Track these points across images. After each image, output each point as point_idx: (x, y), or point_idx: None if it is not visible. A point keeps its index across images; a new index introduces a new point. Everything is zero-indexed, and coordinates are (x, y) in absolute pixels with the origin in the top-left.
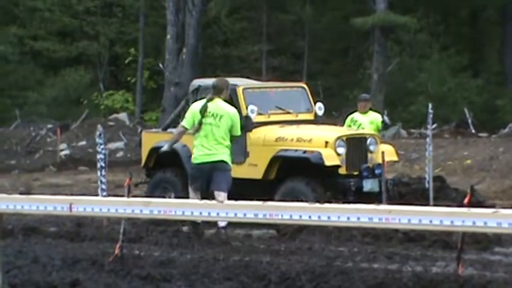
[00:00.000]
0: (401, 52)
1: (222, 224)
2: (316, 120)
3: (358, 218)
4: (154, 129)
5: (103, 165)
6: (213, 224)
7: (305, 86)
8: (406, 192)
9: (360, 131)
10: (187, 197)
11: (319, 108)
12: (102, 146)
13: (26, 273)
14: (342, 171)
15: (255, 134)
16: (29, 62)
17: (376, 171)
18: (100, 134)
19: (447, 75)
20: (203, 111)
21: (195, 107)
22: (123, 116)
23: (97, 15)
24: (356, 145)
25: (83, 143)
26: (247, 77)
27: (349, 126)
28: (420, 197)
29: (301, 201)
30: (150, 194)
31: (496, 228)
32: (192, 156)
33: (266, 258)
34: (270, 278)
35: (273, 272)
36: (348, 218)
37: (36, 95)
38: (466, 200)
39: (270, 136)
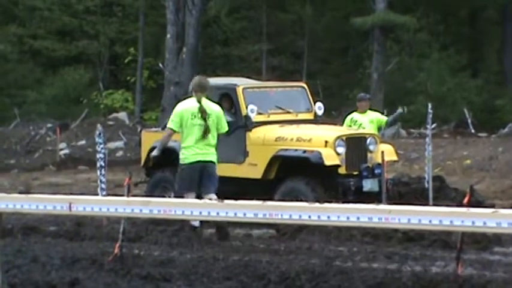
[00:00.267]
0: (400, 52)
1: (195, 223)
2: (316, 120)
3: (358, 218)
4: (154, 129)
5: (103, 164)
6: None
7: (305, 85)
8: (405, 192)
9: (360, 131)
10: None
11: (319, 107)
12: (101, 146)
13: (25, 273)
14: (342, 170)
15: (255, 134)
16: (28, 61)
17: (376, 171)
18: (100, 134)
19: (447, 75)
20: (202, 113)
21: (181, 108)
22: (122, 115)
23: (97, 15)
24: (356, 145)
25: (83, 142)
26: (247, 77)
27: (350, 126)
28: (420, 197)
29: (301, 200)
30: (149, 194)
31: (496, 228)
32: (182, 157)
33: (266, 258)
34: (269, 278)
35: (273, 272)
36: (348, 218)
37: (36, 94)
38: (465, 200)
39: (270, 136)
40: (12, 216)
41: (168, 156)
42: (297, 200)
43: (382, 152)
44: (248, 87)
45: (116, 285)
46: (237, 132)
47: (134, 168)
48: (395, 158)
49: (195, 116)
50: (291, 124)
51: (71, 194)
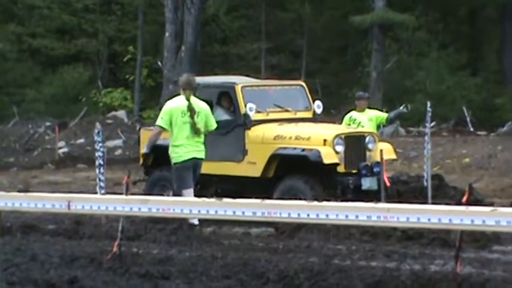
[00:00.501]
0: (399, 50)
1: (194, 221)
2: (315, 118)
3: (357, 216)
4: (152, 127)
5: (101, 163)
6: (211, 222)
7: (304, 84)
8: (404, 190)
9: (359, 129)
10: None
11: (318, 106)
12: (100, 144)
13: (24, 271)
14: (341, 169)
15: (254, 132)
16: (27, 59)
17: (375, 170)
18: (98, 132)
19: (446, 73)
20: (191, 111)
21: (170, 106)
22: (121, 113)
23: (96, 13)
24: (354, 143)
25: (82, 140)
26: (246, 75)
27: (348, 124)
28: (419, 195)
29: (300, 199)
30: (148, 192)
31: (495, 227)
32: (176, 155)
33: (264, 256)
34: (268, 276)
35: (271, 270)
36: (347, 216)
37: (35, 93)
38: (464, 198)
39: (269, 134)
40: (11, 214)
41: (167, 154)
42: (296, 199)
43: (381, 151)
44: (247, 86)
45: (115, 283)
46: (235, 131)
47: (133, 167)
48: (394, 156)
49: (184, 114)
50: (290, 122)
51: (70, 192)
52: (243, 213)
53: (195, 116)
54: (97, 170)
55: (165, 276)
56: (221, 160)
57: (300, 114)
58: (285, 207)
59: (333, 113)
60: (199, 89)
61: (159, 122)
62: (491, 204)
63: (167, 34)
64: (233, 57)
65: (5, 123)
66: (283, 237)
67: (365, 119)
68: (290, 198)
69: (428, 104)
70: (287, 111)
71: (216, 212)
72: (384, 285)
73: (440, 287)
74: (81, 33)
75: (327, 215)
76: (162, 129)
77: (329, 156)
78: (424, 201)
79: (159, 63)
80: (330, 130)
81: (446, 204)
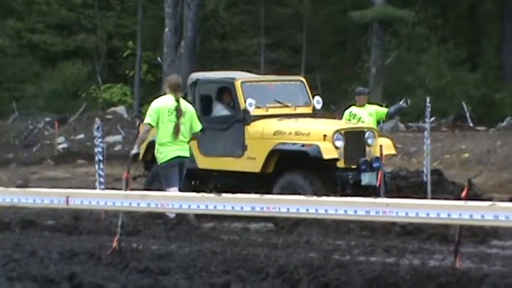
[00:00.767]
0: (399, 45)
1: (170, 215)
2: (314, 114)
3: (356, 211)
4: None
5: (101, 158)
6: (210, 217)
7: (303, 79)
8: (404, 185)
9: (358, 125)
10: (185, 190)
11: (318, 101)
12: (100, 140)
13: (23, 267)
14: (340, 164)
15: (253, 128)
16: (26, 55)
17: (374, 165)
18: (98, 127)
19: (445, 68)
20: (178, 112)
21: (158, 104)
22: (121, 109)
23: (95, 8)
24: (354, 138)
25: (81, 136)
26: (246, 71)
27: (349, 120)
28: (418, 191)
29: (299, 194)
30: (148, 187)
31: (493, 221)
32: (161, 156)
33: (264, 252)
34: (267, 271)
35: (271, 265)
36: (346, 211)
37: (34, 88)
38: (463, 194)
39: (268, 129)
40: (10, 209)
41: None
42: (295, 194)
43: (381, 146)
44: (246, 81)
45: (114, 279)
46: (235, 126)
47: (133, 163)
48: (393, 151)
49: (171, 113)
50: (290, 118)
51: (69, 188)
52: (242, 208)
53: (181, 117)
54: (96, 166)
55: (165, 271)
56: (221, 155)
57: (299, 110)
58: (284, 202)
59: (332, 109)
60: (198, 84)
61: (147, 120)
62: (490, 199)
63: (167, 29)
64: (232, 52)
65: (4, 118)
66: (283, 233)
67: (365, 114)
68: (290, 194)
69: (428, 99)
70: (287, 106)
71: (216, 207)
72: (383, 280)
73: (440, 282)
74: (80, 28)
75: (326, 210)
76: (151, 126)
77: (329, 152)
78: (424, 196)
79: (159, 58)
80: (329, 125)
81: (446, 199)
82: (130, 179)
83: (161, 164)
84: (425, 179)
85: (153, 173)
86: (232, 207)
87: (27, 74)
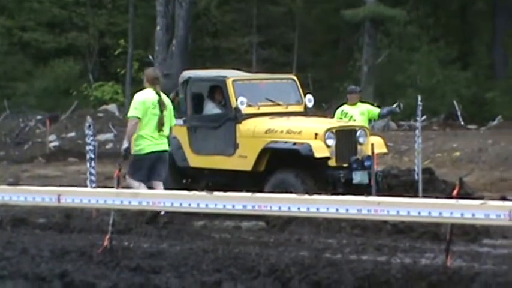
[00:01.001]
0: (390, 44)
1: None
2: (306, 112)
3: (347, 210)
4: None
5: (92, 156)
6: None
7: (295, 77)
8: (395, 184)
9: (350, 123)
10: (177, 188)
11: (309, 100)
12: (91, 138)
13: (14, 265)
14: (332, 163)
15: (245, 126)
16: (17, 53)
17: (366, 163)
18: (89, 126)
19: (436, 67)
20: (161, 105)
21: (143, 97)
22: (112, 107)
23: (86, 6)
24: (345, 137)
25: (72, 134)
26: (238, 69)
27: (340, 118)
28: (409, 189)
29: (291, 193)
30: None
31: (484, 220)
32: (138, 147)
33: (255, 250)
34: (259, 270)
35: (262, 264)
36: (337, 210)
37: (25, 86)
38: (454, 192)
39: (260, 128)
40: (1, 208)
41: None
42: (287, 192)
43: (372, 145)
44: (238, 80)
45: (105, 277)
46: (227, 125)
47: (124, 160)
48: (385, 150)
49: (155, 106)
50: (281, 116)
51: (61, 186)
52: (234, 206)
53: (164, 110)
54: (88, 164)
55: (156, 270)
56: (212, 154)
57: (291, 108)
58: (275, 200)
59: (324, 107)
60: (190, 83)
61: (134, 113)
62: (481, 198)
63: (158, 28)
64: (224, 51)
65: None
66: (274, 231)
67: (357, 113)
68: (281, 192)
69: (419, 98)
70: (278, 105)
71: (207, 205)
72: (375, 278)
73: (431, 281)
74: (72, 26)
75: (317, 209)
76: (138, 119)
77: (320, 150)
78: (415, 195)
79: (150, 56)
80: (321, 124)
81: (437, 197)
82: (121, 177)
83: (135, 155)
84: (416, 177)
85: None
86: (224, 206)
87: (19, 72)
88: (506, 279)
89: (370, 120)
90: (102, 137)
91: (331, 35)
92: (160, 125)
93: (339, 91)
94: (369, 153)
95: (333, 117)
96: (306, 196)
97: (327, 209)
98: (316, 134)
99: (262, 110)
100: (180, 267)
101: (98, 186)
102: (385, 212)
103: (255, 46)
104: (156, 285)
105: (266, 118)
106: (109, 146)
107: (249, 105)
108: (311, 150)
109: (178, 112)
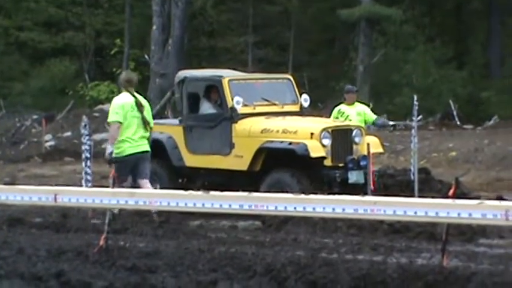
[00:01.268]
0: (386, 44)
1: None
2: (302, 112)
3: (343, 209)
4: None
5: (88, 156)
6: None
7: (291, 77)
8: (391, 183)
9: (346, 123)
10: (173, 188)
11: (305, 99)
12: (87, 137)
13: (10, 264)
14: (328, 162)
15: (241, 126)
16: (14, 52)
17: (362, 163)
18: (85, 125)
19: (432, 67)
20: (139, 106)
21: (121, 101)
22: (108, 107)
23: (83, 6)
24: (341, 137)
25: (68, 133)
26: (233, 69)
27: (337, 118)
28: (405, 189)
29: (287, 192)
30: (135, 185)
31: (481, 220)
32: (118, 150)
33: (251, 250)
34: (255, 269)
35: (258, 263)
36: (333, 209)
37: (21, 86)
38: (451, 192)
39: (256, 127)
40: None
41: (155, 147)
42: (283, 192)
43: (368, 144)
44: (234, 79)
45: (101, 276)
46: (222, 124)
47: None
48: (381, 150)
49: (133, 109)
50: (277, 116)
51: (57, 185)
52: (230, 206)
53: (143, 111)
54: (84, 163)
55: (152, 269)
56: (208, 153)
57: (287, 108)
58: (272, 200)
59: (319, 107)
60: (186, 82)
61: (115, 117)
62: (477, 198)
63: (154, 27)
64: (220, 50)
65: None
66: (270, 231)
67: (353, 113)
68: (277, 192)
69: (415, 97)
70: (274, 104)
71: (203, 205)
72: (371, 278)
73: (427, 281)
74: (68, 26)
75: (313, 208)
76: (120, 123)
77: (316, 150)
78: (411, 195)
79: (146, 56)
80: (316, 124)
81: (433, 197)
82: (117, 176)
83: (116, 158)
84: (412, 177)
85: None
86: (220, 205)
87: (15, 72)
88: (503, 279)
89: (365, 122)
90: (98, 136)
91: (327, 35)
92: (143, 124)
93: (335, 90)
94: (365, 152)
95: (329, 116)
96: (303, 196)
97: (323, 208)
98: (312, 134)
99: (258, 109)
100: (176, 266)
101: (94, 186)
102: (381, 211)
103: (250, 46)
104: (152, 285)
105: (262, 118)
106: (105, 145)
107: (245, 105)
108: (307, 149)
109: (174, 111)
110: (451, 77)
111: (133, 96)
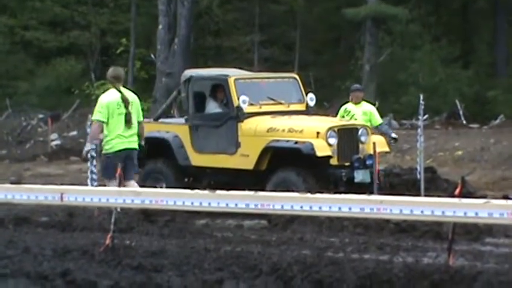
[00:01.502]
0: (392, 43)
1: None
2: (308, 111)
3: (350, 208)
4: (145, 120)
5: (94, 155)
6: (204, 214)
7: (297, 76)
8: (397, 183)
9: (352, 122)
10: (179, 187)
11: (311, 98)
12: None
13: (16, 263)
14: (334, 161)
15: (247, 125)
16: (19, 52)
17: (368, 162)
18: (91, 124)
19: (438, 66)
20: (125, 102)
21: (106, 99)
22: None
23: (88, 5)
24: (347, 136)
25: (74, 133)
26: (239, 68)
27: (343, 117)
28: (411, 188)
29: (293, 191)
30: (141, 184)
31: (487, 219)
32: (108, 146)
33: (257, 249)
34: (261, 268)
35: (264, 263)
36: (339, 208)
37: (27, 85)
38: (457, 191)
39: (262, 127)
40: (4, 206)
41: (161, 147)
42: (289, 191)
43: (374, 143)
44: (240, 78)
45: (107, 275)
46: (228, 123)
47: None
48: (387, 149)
49: (120, 106)
50: (283, 115)
51: (63, 184)
52: (236, 205)
53: (129, 106)
54: (89, 163)
55: (158, 268)
56: (214, 152)
57: (293, 107)
58: (278, 199)
59: (325, 106)
60: (192, 81)
61: (97, 116)
62: (483, 197)
63: (160, 26)
64: (226, 49)
65: None
66: (276, 230)
67: (359, 112)
68: (283, 191)
69: (421, 96)
70: (280, 103)
71: (209, 204)
72: (377, 277)
73: (433, 280)
74: (74, 25)
75: (320, 207)
76: (102, 122)
77: (322, 149)
78: (417, 194)
79: (152, 55)
80: (323, 123)
81: (439, 196)
82: (123, 175)
83: (106, 154)
84: (418, 176)
85: (147, 170)
86: (227, 204)
87: (20, 71)
88: (509, 278)
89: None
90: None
91: (332, 34)
92: (127, 121)
93: (341, 90)
94: (371, 152)
95: (335, 115)
96: (309, 195)
97: (330, 207)
98: (318, 133)
99: (264, 108)
100: (181, 265)
101: (99, 185)
102: (387, 210)
103: (256, 45)
104: (158, 284)
105: (268, 117)
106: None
107: (251, 104)
108: (313, 149)
109: (180, 111)
110: (457, 76)
111: (120, 92)
